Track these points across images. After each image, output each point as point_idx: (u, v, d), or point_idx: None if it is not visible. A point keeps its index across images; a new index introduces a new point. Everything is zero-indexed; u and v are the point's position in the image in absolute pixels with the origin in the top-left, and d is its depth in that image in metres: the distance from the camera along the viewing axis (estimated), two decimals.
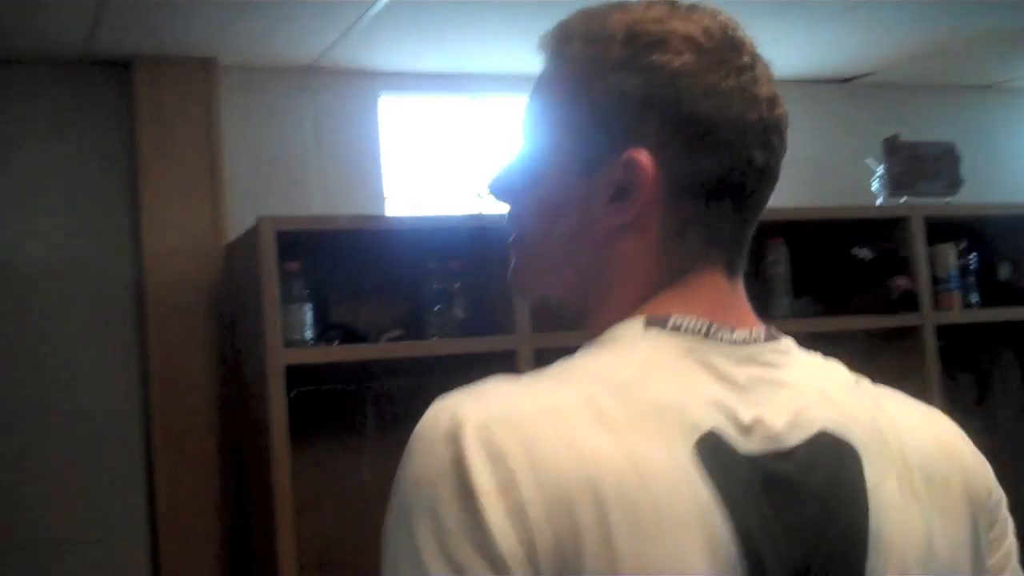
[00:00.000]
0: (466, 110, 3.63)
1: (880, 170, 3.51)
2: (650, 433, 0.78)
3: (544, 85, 0.95)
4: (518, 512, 0.73)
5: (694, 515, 0.76)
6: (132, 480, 3.07)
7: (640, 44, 0.86)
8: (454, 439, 0.77)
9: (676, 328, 0.85)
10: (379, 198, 3.47)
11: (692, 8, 0.90)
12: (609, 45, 0.88)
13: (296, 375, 2.72)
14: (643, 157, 0.85)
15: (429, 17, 3.04)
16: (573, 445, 0.76)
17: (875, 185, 3.52)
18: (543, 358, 3.12)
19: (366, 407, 3.09)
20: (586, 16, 0.93)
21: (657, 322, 0.86)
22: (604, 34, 0.89)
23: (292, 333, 2.74)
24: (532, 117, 0.97)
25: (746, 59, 0.88)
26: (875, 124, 3.76)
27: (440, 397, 0.83)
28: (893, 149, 3.51)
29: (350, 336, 2.93)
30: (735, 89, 0.86)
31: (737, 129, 0.86)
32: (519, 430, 0.77)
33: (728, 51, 0.87)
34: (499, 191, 0.99)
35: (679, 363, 0.83)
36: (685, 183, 0.86)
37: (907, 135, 3.56)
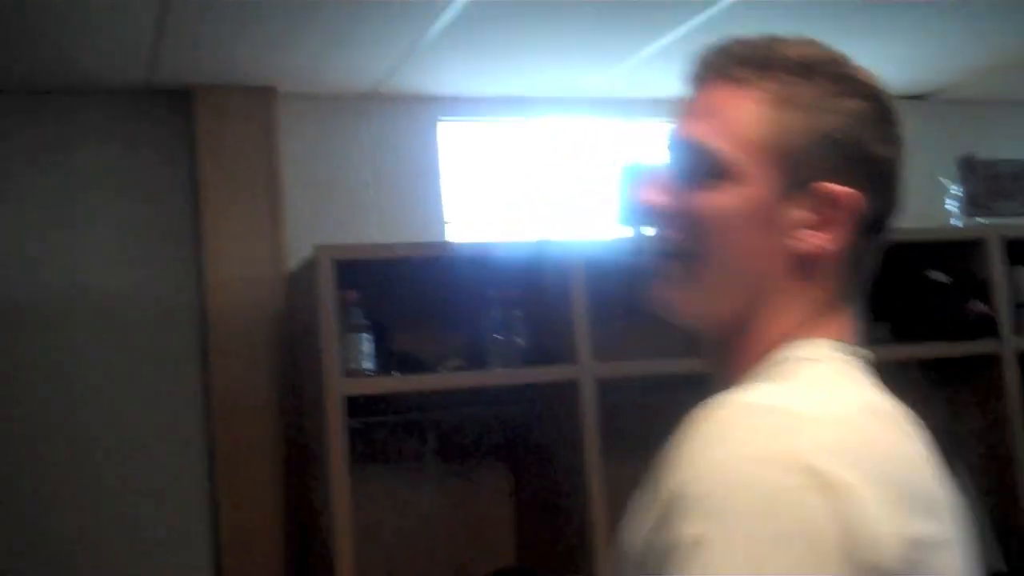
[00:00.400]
0: (526, 133, 3.64)
1: (954, 190, 3.44)
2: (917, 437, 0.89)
3: (727, 110, 0.98)
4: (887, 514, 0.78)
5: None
6: (194, 508, 3.10)
7: (838, 86, 0.97)
8: (799, 457, 0.78)
9: (853, 353, 0.96)
10: (439, 224, 3.48)
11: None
12: (807, 82, 0.97)
13: (356, 403, 2.73)
14: (842, 191, 0.95)
15: (487, 40, 3.06)
16: (896, 444, 0.85)
17: (950, 205, 3.46)
18: (606, 388, 3.11)
19: (426, 436, 3.09)
20: (773, 46, 1.00)
21: (840, 347, 0.96)
22: (798, 69, 0.97)
23: (351, 362, 2.75)
24: (711, 139, 0.98)
25: (895, 105, 1.00)
26: (950, 142, 3.69)
27: (730, 407, 0.85)
28: (969, 168, 3.45)
29: (410, 365, 2.94)
30: (899, 136, 1.00)
31: (900, 173, 1.00)
32: (855, 432, 0.83)
33: (888, 99, 1.00)
34: (656, 212, 1.01)
35: (868, 382, 0.93)
36: (866, 219, 0.96)
37: (983, 153, 3.50)
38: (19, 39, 2.76)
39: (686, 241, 0.98)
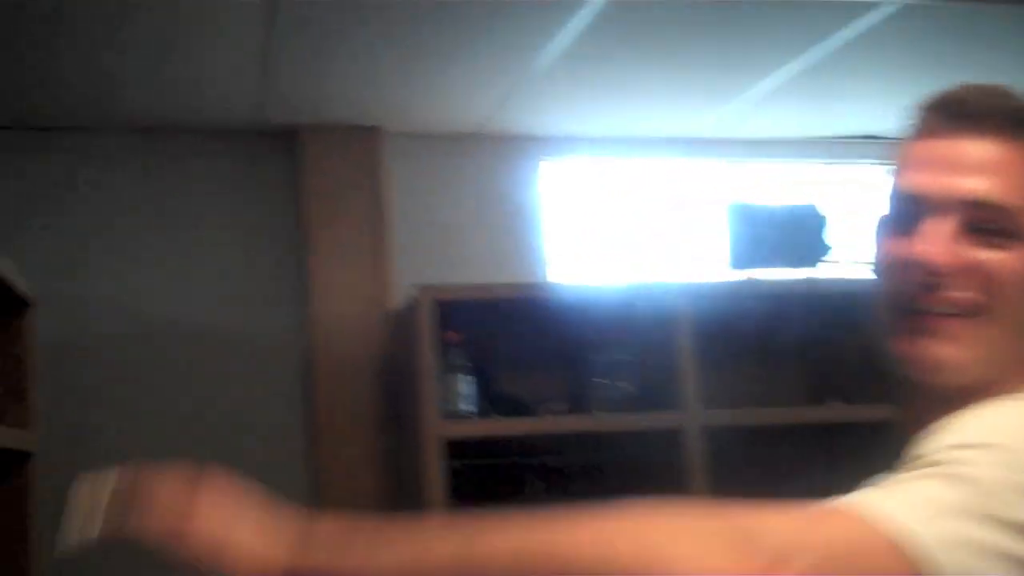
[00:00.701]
0: (630, 173, 3.62)
1: None
2: None
3: (1013, 167, 0.99)
4: None
5: None
6: None
7: None
8: None
9: None
10: (542, 265, 3.48)
11: None
12: None
13: (458, 445, 2.73)
14: None
15: (591, 80, 3.06)
16: None
17: None
18: (713, 436, 3.04)
19: (528, 480, 3.07)
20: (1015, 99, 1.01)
21: None
22: None
23: (452, 404, 2.75)
24: (1006, 198, 0.98)
25: None
26: None
27: None
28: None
29: (511, 408, 2.92)
30: None
31: None
32: None
33: None
34: (938, 270, 0.98)
35: None
36: None
37: None
38: (128, 79, 2.85)
39: (976, 300, 0.97)
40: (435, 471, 2.63)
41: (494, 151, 3.48)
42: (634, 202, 3.61)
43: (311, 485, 3.14)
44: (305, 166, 3.27)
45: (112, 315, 3.13)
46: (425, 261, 3.31)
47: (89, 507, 0.88)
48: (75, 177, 3.15)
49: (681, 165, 3.63)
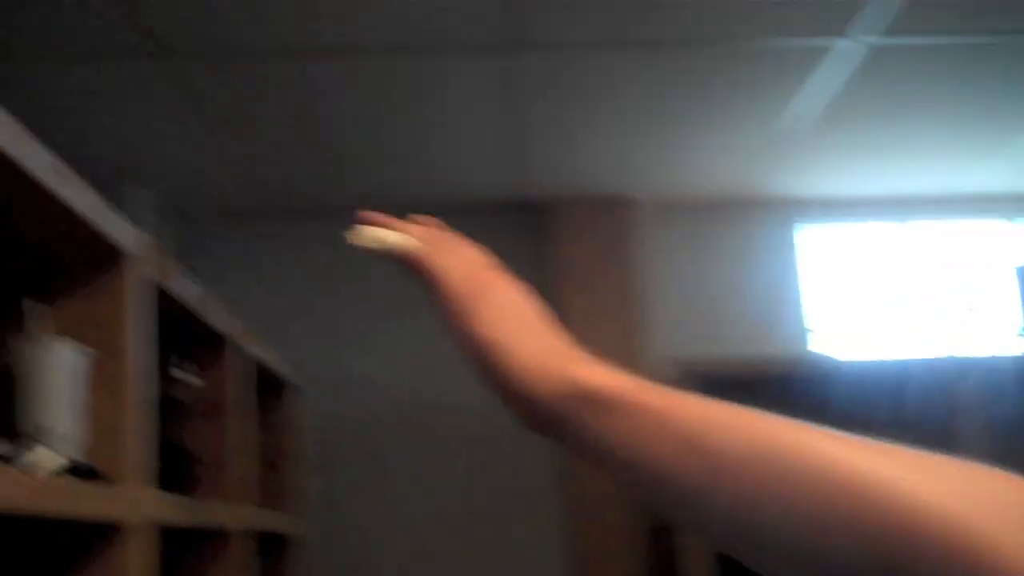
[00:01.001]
0: (895, 236, 3.43)
1: None
2: None
3: None
4: None
5: None
6: None
7: None
8: None
9: None
10: (801, 335, 3.34)
11: None
12: None
13: None
14: None
15: (849, 139, 2.92)
16: None
17: None
18: None
19: None
20: None
21: None
22: None
23: None
24: None
25: None
26: None
27: None
28: None
29: None
30: None
31: None
32: None
33: None
34: None
35: None
36: None
37: None
38: (373, 157, 2.96)
39: None
40: (701, 552, 2.54)
41: (750, 216, 3.39)
42: (905, 268, 3.41)
43: (570, 568, 3.11)
44: (555, 239, 3.29)
45: (374, 396, 3.23)
46: (680, 333, 3.24)
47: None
48: (334, 261, 3.29)
49: (958, 226, 3.41)
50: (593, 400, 0.63)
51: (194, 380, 1.72)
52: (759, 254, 3.39)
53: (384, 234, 0.82)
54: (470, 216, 3.35)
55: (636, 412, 0.60)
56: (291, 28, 2.16)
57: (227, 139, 2.74)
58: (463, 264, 0.81)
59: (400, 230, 0.82)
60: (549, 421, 0.67)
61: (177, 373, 1.66)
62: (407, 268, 0.81)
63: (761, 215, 3.40)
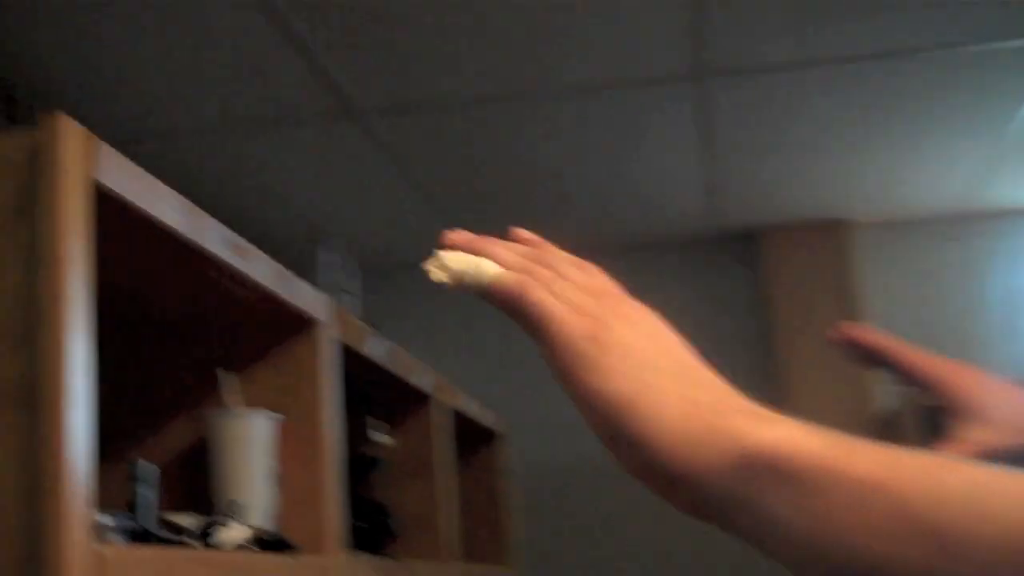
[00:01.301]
0: None
1: None
2: None
3: None
4: None
5: None
6: None
7: None
8: None
9: None
10: None
11: None
12: None
13: None
14: None
15: None
16: None
17: None
18: None
19: None
20: None
21: None
22: None
23: None
24: None
25: None
26: None
27: None
28: None
29: None
30: None
31: None
32: None
33: None
34: None
35: None
36: None
37: None
38: (568, 197, 2.94)
39: None
40: None
41: (980, 230, 3.18)
42: None
43: None
44: (767, 268, 3.18)
45: (584, 441, 3.20)
46: None
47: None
48: None
49: None
50: (775, 470, 0.47)
51: (388, 440, 1.74)
52: (992, 268, 3.18)
53: (468, 262, 0.64)
54: (672, 251, 3.29)
55: (841, 485, 0.45)
56: (478, 76, 2.17)
57: (418, 190, 2.79)
58: (576, 295, 0.62)
59: (490, 254, 0.64)
60: (706, 500, 0.51)
61: (374, 434, 1.68)
62: (502, 306, 0.63)
63: (992, 228, 3.18)
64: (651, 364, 0.57)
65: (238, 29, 1.89)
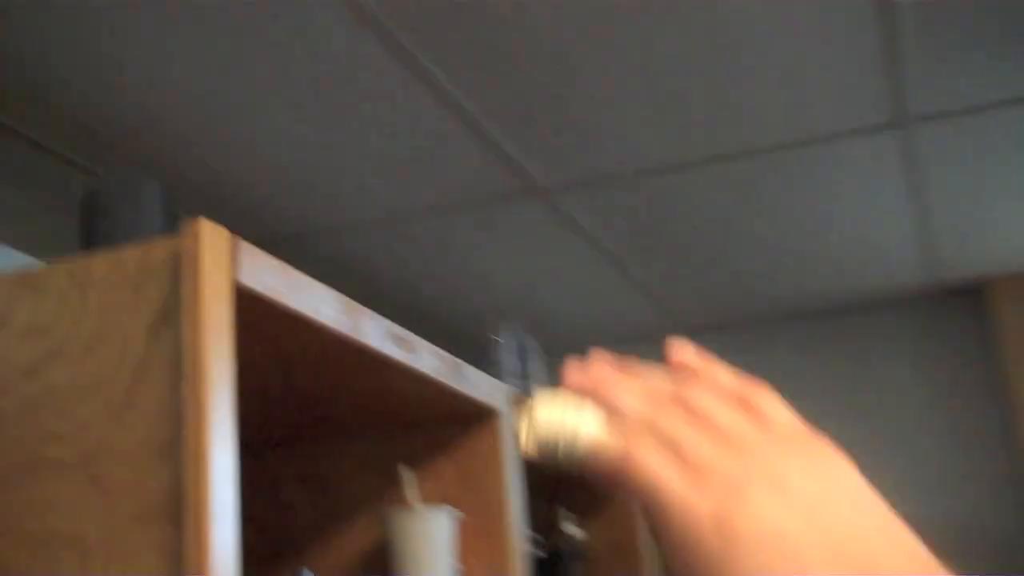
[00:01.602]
0: None
1: None
2: None
3: None
4: None
5: None
6: None
7: None
8: None
9: None
10: None
11: None
12: None
13: None
14: None
15: None
16: None
17: None
18: None
19: None
20: None
21: None
22: None
23: None
24: None
25: None
26: None
27: None
28: None
29: None
30: None
31: None
32: None
33: None
34: None
35: None
36: None
37: None
38: (772, 262, 2.83)
39: None
40: None
41: None
42: None
43: None
44: (996, 319, 2.97)
45: None
46: None
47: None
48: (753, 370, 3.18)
49: None
50: None
51: (578, 532, 1.67)
52: None
53: (563, 425, 0.48)
54: (892, 311, 3.12)
55: None
56: (666, 144, 2.12)
57: (610, 265, 2.74)
58: (714, 450, 0.45)
59: (609, 402, 0.48)
60: None
61: (566, 526, 1.62)
62: (606, 486, 0.47)
63: None
64: (801, 555, 0.40)
65: (416, 117, 1.91)
